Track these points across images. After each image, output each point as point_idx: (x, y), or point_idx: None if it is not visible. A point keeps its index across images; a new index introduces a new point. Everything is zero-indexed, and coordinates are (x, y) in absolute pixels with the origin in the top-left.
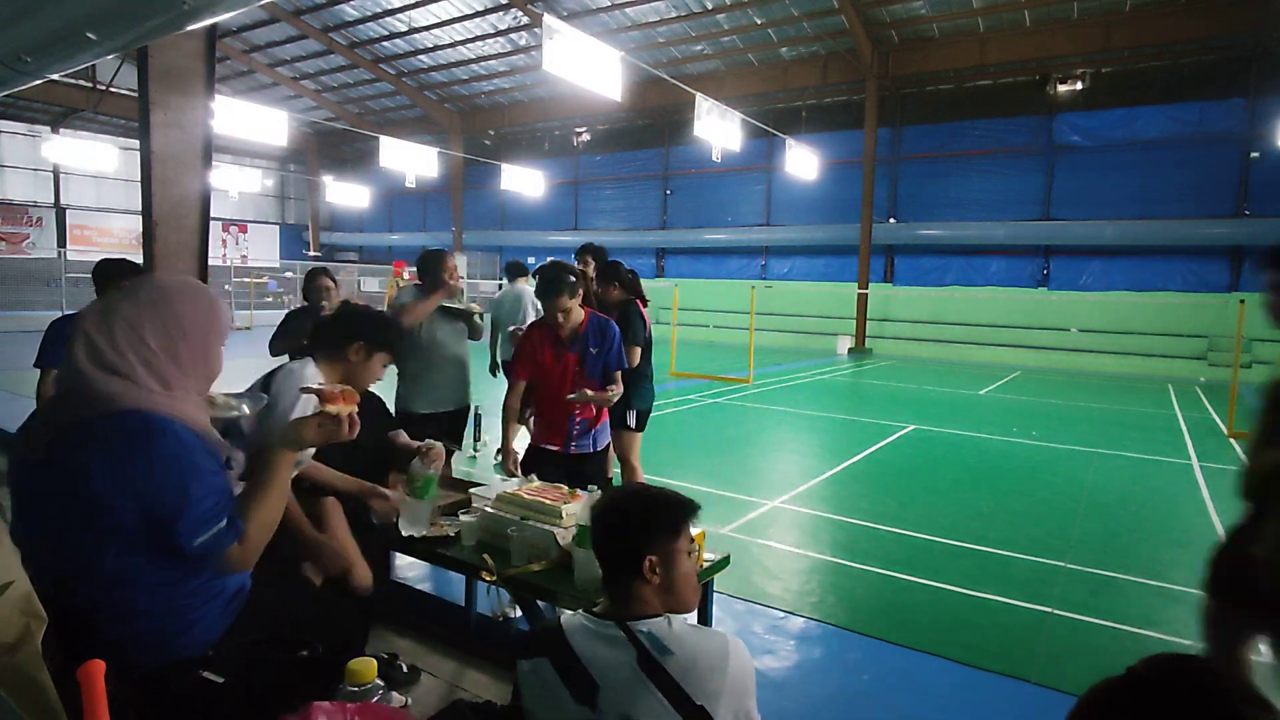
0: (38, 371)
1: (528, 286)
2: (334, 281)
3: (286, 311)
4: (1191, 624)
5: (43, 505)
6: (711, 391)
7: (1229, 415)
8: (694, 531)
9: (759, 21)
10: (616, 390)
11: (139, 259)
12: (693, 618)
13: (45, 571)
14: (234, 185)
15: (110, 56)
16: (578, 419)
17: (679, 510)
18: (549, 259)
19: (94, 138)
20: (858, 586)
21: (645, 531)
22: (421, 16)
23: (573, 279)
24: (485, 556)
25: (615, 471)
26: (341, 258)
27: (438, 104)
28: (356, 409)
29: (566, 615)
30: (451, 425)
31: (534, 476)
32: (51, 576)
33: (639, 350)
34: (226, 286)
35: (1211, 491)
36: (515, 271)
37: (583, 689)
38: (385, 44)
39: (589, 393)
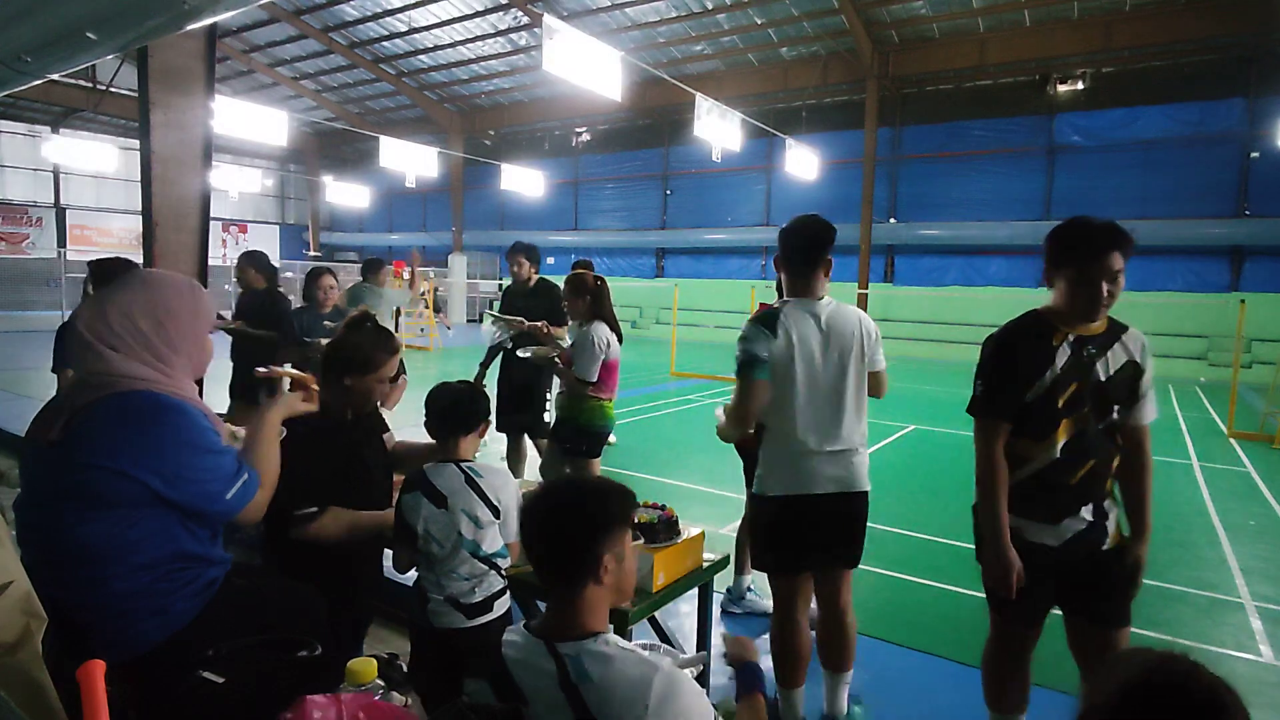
0: (38, 371)
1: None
2: (336, 280)
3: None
4: (1191, 624)
5: (48, 485)
6: (711, 391)
7: (1229, 415)
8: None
9: (759, 21)
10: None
11: (139, 259)
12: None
13: (35, 551)
14: (234, 185)
15: (110, 56)
16: None
17: (626, 497)
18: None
19: (94, 138)
20: (857, 586)
21: (605, 528)
22: (421, 16)
23: None
24: None
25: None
26: (341, 258)
27: (438, 104)
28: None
29: (508, 632)
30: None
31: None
32: (40, 557)
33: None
34: (226, 286)
35: (1211, 491)
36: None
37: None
38: (385, 44)
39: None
